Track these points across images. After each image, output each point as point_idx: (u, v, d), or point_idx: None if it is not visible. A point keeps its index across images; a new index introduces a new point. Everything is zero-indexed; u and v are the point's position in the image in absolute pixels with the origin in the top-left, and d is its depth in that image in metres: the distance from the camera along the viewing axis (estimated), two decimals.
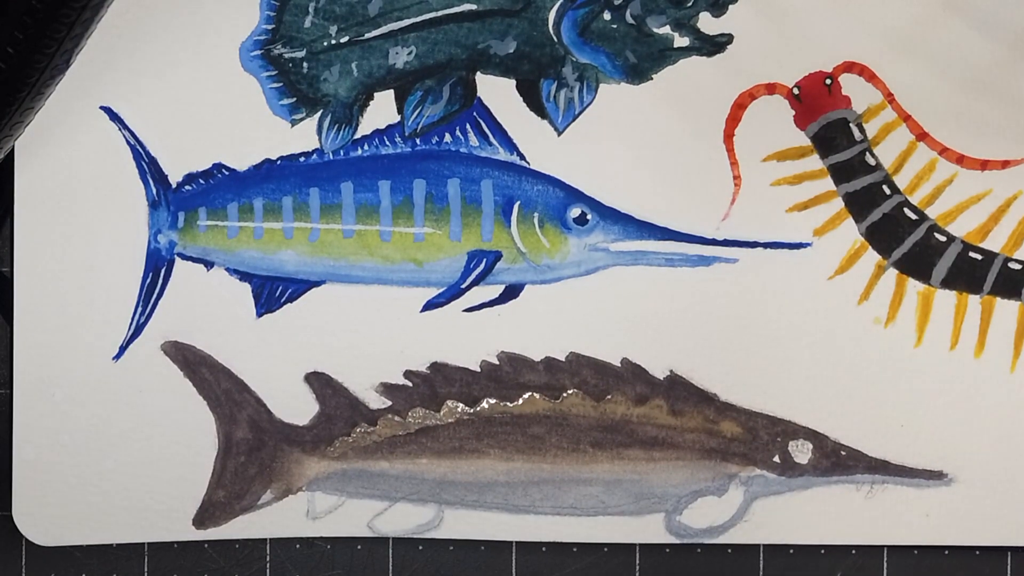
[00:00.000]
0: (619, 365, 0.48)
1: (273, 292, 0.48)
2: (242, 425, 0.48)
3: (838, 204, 0.49)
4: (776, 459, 0.49)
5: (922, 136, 0.49)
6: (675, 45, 0.48)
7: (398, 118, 0.48)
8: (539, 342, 0.48)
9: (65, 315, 0.48)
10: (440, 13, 0.48)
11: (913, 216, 0.49)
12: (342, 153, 0.48)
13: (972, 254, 0.49)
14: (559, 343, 0.49)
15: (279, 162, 0.48)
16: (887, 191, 0.49)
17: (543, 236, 0.48)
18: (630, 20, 0.48)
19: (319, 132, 0.48)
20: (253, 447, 0.48)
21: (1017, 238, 0.49)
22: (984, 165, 0.49)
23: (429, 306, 0.48)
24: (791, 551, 0.49)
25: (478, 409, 0.48)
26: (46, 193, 0.48)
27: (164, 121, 0.48)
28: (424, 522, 0.49)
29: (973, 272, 0.49)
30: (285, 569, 0.49)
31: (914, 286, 0.49)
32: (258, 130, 0.48)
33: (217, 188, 0.48)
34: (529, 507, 0.49)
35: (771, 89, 0.48)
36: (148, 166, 0.48)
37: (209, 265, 0.48)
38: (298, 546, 0.49)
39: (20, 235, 0.48)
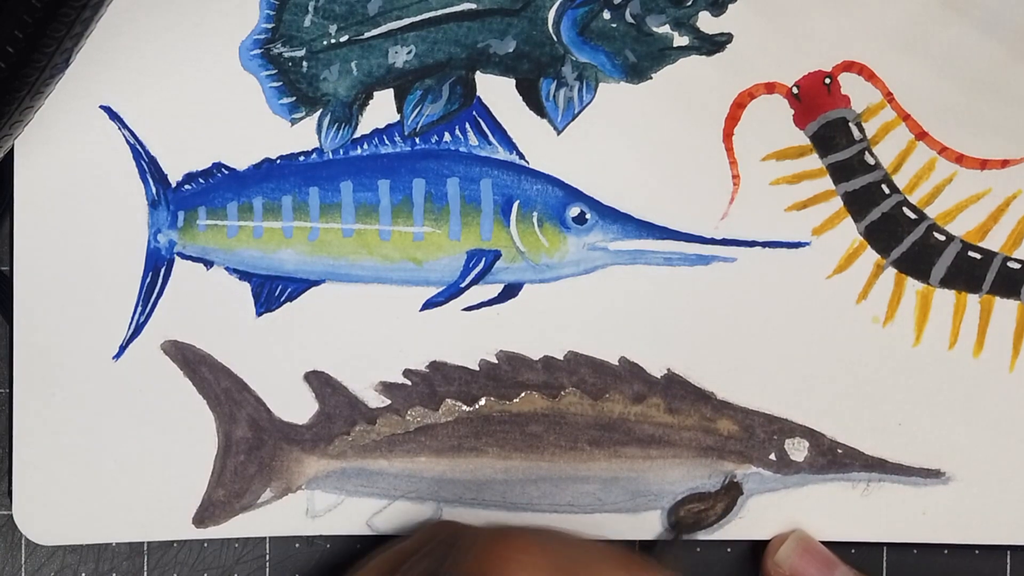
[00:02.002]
0: (617, 364, 0.49)
1: (273, 291, 0.48)
2: (242, 424, 0.48)
3: (837, 203, 0.49)
4: (772, 457, 0.49)
5: (921, 135, 0.49)
6: (675, 44, 0.48)
7: (397, 117, 0.48)
8: (537, 341, 0.49)
9: (65, 315, 0.48)
10: (440, 12, 0.48)
11: (912, 215, 0.49)
12: (342, 152, 0.48)
13: (971, 253, 0.49)
14: (557, 342, 0.49)
15: (279, 161, 0.48)
16: (886, 190, 0.49)
17: (542, 235, 0.48)
18: (629, 19, 0.48)
19: (319, 131, 0.48)
20: (253, 446, 0.48)
21: (1016, 237, 0.49)
22: (983, 164, 0.49)
23: (428, 305, 0.48)
24: None
25: (477, 408, 0.49)
26: (46, 192, 0.48)
27: (164, 120, 0.48)
28: (423, 520, 0.49)
29: (972, 271, 0.49)
30: (285, 567, 0.50)
31: (913, 285, 0.49)
32: (258, 129, 0.48)
33: (217, 187, 0.48)
34: (527, 505, 0.49)
35: (770, 88, 0.48)
36: (148, 165, 0.48)
37: (209, 264, 0.49)
38: (297, 544, 0.50)
39: (20, 234, 0.48)
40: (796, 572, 0.48)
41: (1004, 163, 0.49)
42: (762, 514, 0.49)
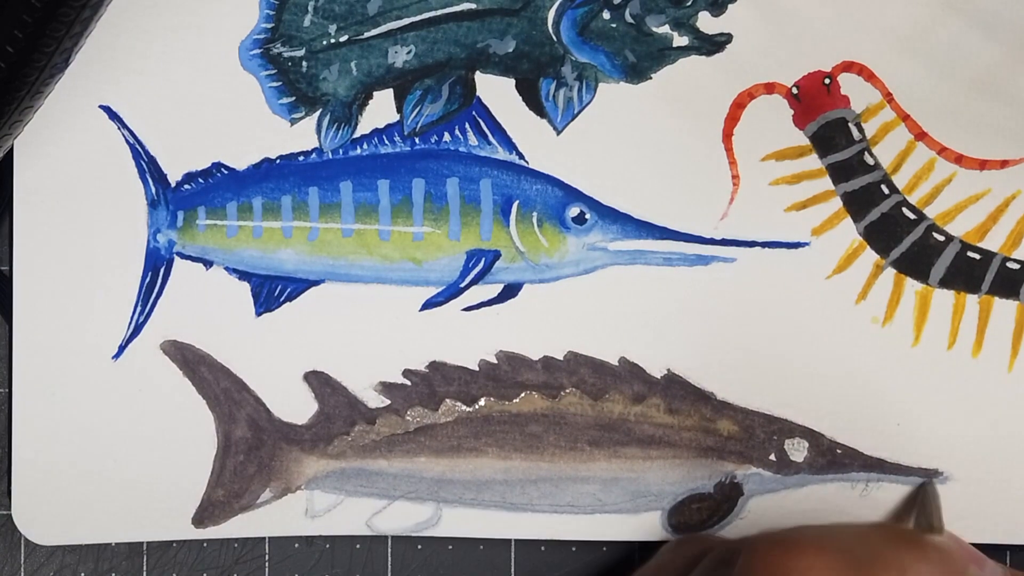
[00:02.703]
0: (617, 364, 0.49)
1: (272, 291, 0.48)
2: (241, 424, 0.48)
3: (836, 204, 0.49)
4: (772, 457, 0.49)
5: (921, 136, 0.49)
6: (674, 44, 0.48)
7: (397, 117, 0.48)
8: (537, 341, 0.49)
9: (65, 314, 0.48)
10: (439, 12, 0.48)
11: (911, 216, 0.49)
12: (341, 152, 0.48)
13: (970, 254, 0.49)
14: (557, 342, 0.49)
15: (278, 161, 0.48)
16: (886, 191, 0.49)
17: (542, 235, 0.48)
18: (629, 19, 0.48)
19: (318, 131, 0.48)
20: (252, 446, 0.48)
21: (1015, 238, 0.49)
22: (983, 165, 0.49)
23: (428, 305, 0.48)
24: None
25: (476, 408, 0.49)
26: (45, 192, 0.48)
27: (163, 120, 0.48)
28: (422, 520, 0.49)
29: (971, 272, 0.49)
30: (284, 568, 0.50)
31: (912, 285, 0.49)
32: (257, 129, 0.48)
33: (216, 187, 0.48)
34: (527, 505, 0.49)
35: (770, 88, 0.48)
36: (147, 165, 0.48)
37: (208, 264, 0.49)
38: (297, 545, 0.50)
39: (20, 234, 0.48)
40: None
41: (1003, 163, 0.49)
42: (762, 515, 0.49)
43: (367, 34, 0.48)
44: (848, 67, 0.48)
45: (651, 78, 0.49)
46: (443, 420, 0.49)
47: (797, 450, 0.49)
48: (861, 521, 0.47)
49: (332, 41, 0.48)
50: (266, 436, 0.48)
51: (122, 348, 0.48)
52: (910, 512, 0.48)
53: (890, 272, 0.49)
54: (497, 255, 0.48)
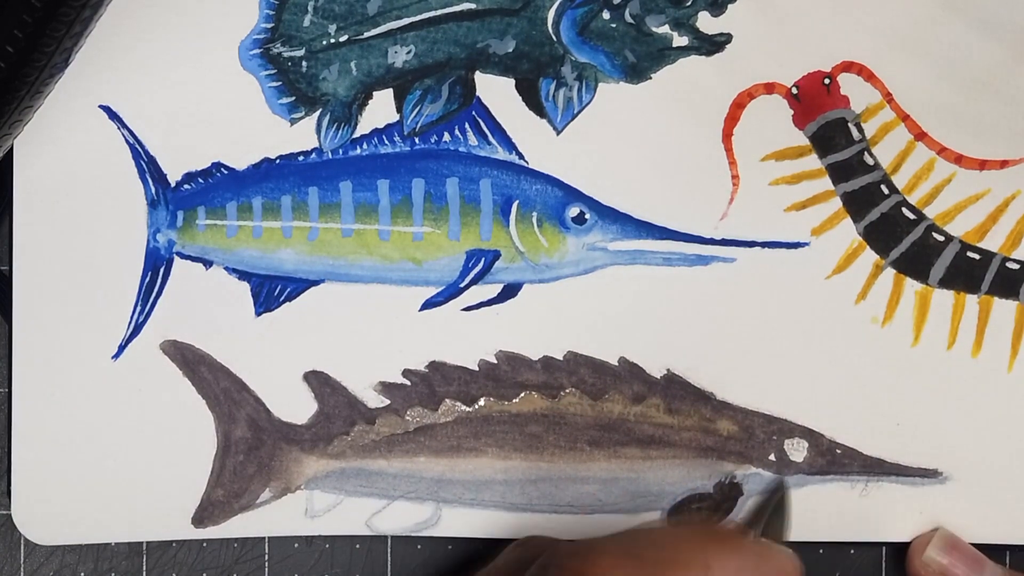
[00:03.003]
0: (616, 364, 0.49)
1: (272, 291, 0.48)
2: (241, 424, 0.48)
3: (836, 204, 0.49)
4: (772, 457, 0.49)
5: (920, 136, 0.49)
6: (674, 44, 0.48)
7: (397, 117, 0.48)
8: (537, 341, 0.49)
9: (64, 314, 0.48)
10: (439, 12, 0.48)
11: (911, 216, 0.49)
12: (341, 152, 0.48)
13: (970, 254, 0.49)
14: (557, 342, 0.49)
15: (278, 161, 0.48)
16: (885, 191, 0.49)
17: (541, 235, 0.48)
18: (629, 19, 0.48)
19: (318, 131, 0.48)
20: (252, 446, 0.48)
21: (1015, 238, 0.49)
22: (982, 165, 0.49)
23: (427, 305, 0.48)
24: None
25: (476, 408, 0.49)
26: (45, 192, 0.48)
27: (163, 120, 0.48)
28: (422, 520, 0.49)
29: (971, 272, 0.49)
30: (284, 568, 0.50)
31: (912, 286, 0.49)
32: (257, 129, 0.48)
33: (216, 187, 0.48)
34: (526, 505, 0.49)
35: (770, 89, 0.48)
36: (147, 165, 0.48)
37: (208, 264, 0.49)
38: (297, 545, 0.50)
39: (19, 234, 0.48)
40: (945, 571, 0.47)
41: (1003, 164, 0.49)
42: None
43: (367, 34, 0.48)
44: (848, 67, 0.48)
45: (651, 78, 0.49)
46: (443, 420, 0.49)
47: (797, 450, 0.49)
48: (683, 524, 0.47)
49: (332, 41, 0.48)
50: (266, 436, 0.48)
51: (122, 348, 0.48)
52: (760, 519, 0.48)
53: (890, 272, 0.49)
54: (497, 255, 0.48)
